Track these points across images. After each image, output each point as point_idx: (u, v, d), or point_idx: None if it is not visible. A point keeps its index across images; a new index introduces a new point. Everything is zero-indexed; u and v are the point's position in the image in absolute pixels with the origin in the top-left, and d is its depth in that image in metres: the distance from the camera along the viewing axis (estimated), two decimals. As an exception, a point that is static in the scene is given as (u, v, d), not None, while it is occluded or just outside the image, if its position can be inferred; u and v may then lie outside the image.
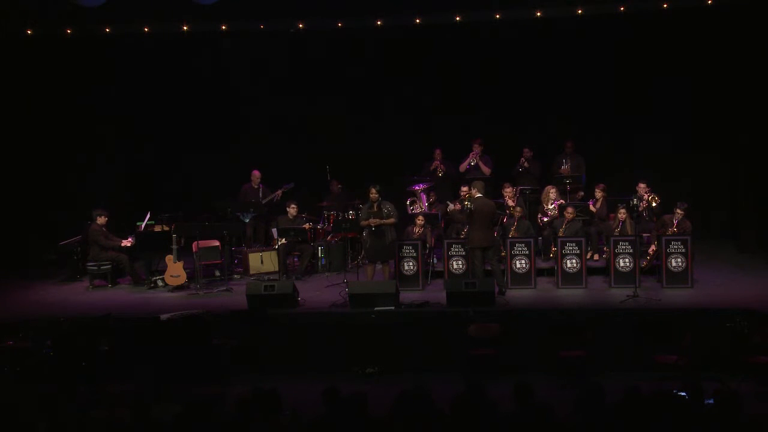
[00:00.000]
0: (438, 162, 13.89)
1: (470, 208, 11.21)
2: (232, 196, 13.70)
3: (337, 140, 14.67)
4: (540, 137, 14.06)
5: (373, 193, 11.55)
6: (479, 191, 11.41)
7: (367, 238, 11.64)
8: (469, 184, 12.20)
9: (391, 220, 11.59)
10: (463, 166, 13.73)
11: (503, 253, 11.88)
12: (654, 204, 12.31)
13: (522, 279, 11.64)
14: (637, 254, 11.29)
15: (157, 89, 14.64)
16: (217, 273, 12.63)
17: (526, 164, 13.71)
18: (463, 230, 12.17)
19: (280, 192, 13.69)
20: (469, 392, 6.23)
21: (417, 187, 13.33)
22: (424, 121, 14.56)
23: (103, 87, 14.48)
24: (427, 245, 12.28)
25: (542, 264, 12.22)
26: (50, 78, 14.14)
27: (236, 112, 14.80)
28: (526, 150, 13.78)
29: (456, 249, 11.82)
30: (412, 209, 13.24)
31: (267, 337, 10.31)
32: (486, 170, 13.60)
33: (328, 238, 13.26)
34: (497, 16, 13.49)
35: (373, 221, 11.46)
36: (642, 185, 12.59)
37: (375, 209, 11.51)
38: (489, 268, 11.42)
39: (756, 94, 13.15)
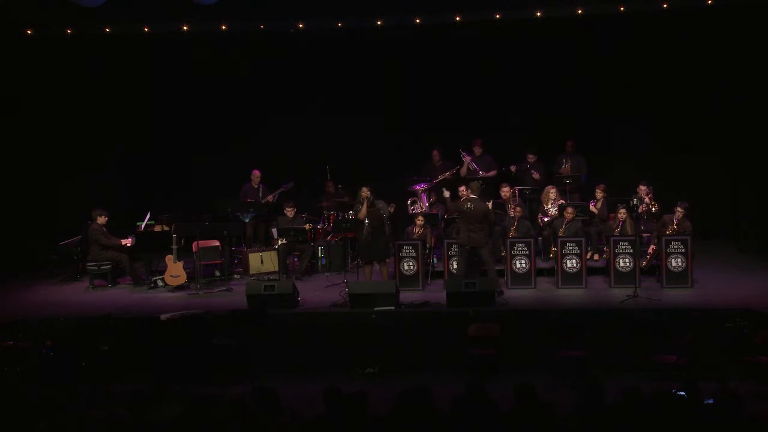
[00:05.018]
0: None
1: (470, 208, 11.20)
2: (232, 196, 13.69)
3: (337, 140, 14.66)
4: (541, 137, 14.03)
5: (365, 192, 11.54)
6: (473, 192, 11.40)
7: (362, 236, 11.61)
8: (467, 183, 12.18)
9: (392, 207, 11.85)
10: (463, 170, 13.64)
11: (503, 253, 11.88)
12: (654, 209, 12.34)
13: (522, 279, 11.63)
14: (638, 254, 11.29)
15: (157, 89, 14.64)
16: (217, 273, 12.64)
17: (537, 178, 13.47)
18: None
19: (277, 193, 13.68)
20: (469, 392, 6.22)
21: (418, 187, 13.31)
22: (423, 121, 14.53)
23: (102, 87, 14.48)
24: (427, 245, 12.26)
25: (542, 264, 12.21)
26: (50, 78, 14.12)
27: (236, 111, 14.79)
28: (529, 156, 13.69)
29: (456, 249, 11.79)
30: (413, 209, 13.22)
31: (267, 337, 10.30)
32: (486, 173, 13.53)
33: (328, 238, 13.26)
34: (497, 16, 13.48)
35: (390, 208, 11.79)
36: (642, 187, 12.59)
37: (368, 207, 11.49)
38: (485, 268, 11.39)
39: (756, 93, 13.15)
